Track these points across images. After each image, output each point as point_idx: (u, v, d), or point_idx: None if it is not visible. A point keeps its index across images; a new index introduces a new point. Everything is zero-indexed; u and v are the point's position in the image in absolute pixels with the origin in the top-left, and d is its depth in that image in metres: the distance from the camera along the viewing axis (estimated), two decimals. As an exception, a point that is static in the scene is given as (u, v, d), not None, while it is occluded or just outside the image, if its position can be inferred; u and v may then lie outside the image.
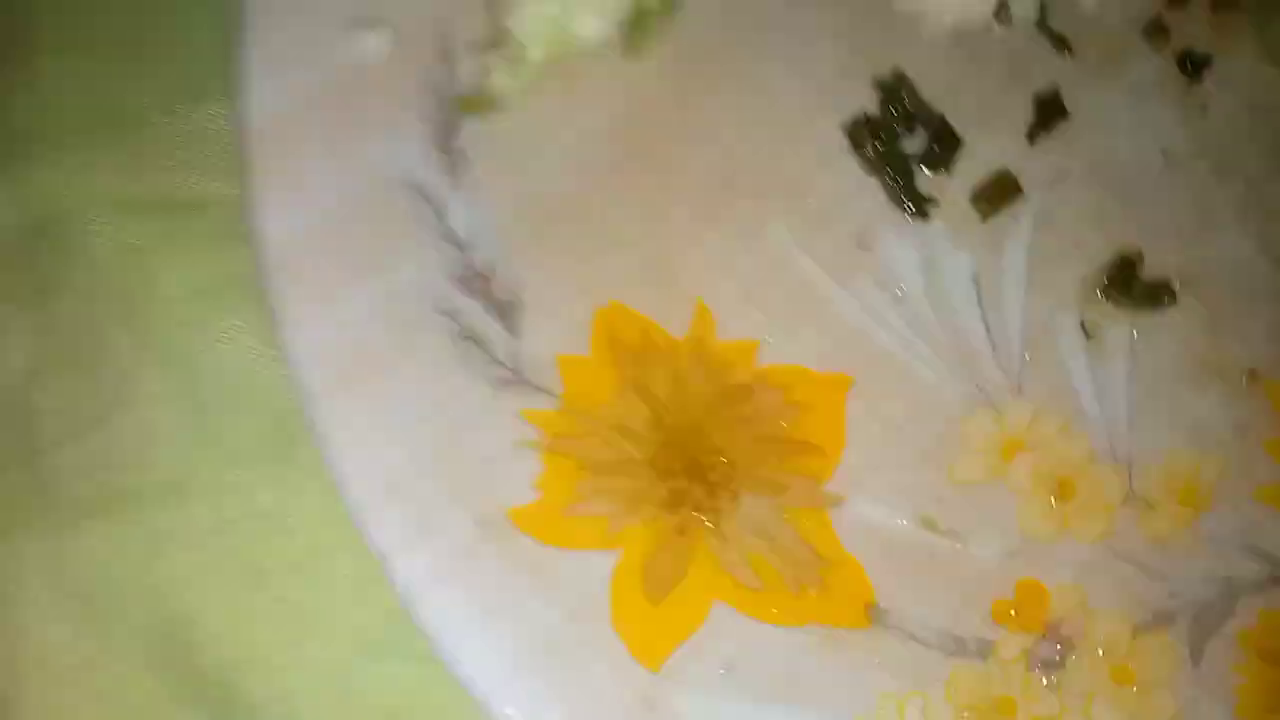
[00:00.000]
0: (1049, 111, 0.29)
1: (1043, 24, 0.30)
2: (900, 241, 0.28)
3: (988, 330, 0.27)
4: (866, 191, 0.28)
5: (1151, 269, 0.28)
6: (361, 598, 0.25)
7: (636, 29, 0.28)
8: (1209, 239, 0.29)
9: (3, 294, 0.28)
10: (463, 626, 0.23)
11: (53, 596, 0.26)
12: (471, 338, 0.25)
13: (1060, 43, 0.30)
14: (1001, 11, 0.29)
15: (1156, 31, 0.30)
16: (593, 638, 0.24)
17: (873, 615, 0.25)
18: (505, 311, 0.26)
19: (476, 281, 0.26)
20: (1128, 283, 0.28)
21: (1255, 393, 0.28)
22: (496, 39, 0.27)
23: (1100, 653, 0.26)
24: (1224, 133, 0.30)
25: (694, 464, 0.26)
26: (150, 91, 0.29)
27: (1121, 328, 0.28)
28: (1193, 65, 0.30)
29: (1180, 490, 0.27)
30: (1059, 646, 0.26)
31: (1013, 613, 0.26)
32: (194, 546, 0.26)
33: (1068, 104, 0.29)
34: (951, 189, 0.28)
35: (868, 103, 0.28)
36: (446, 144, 0.27)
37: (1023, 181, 0.28)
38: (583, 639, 0.24)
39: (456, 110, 0.27)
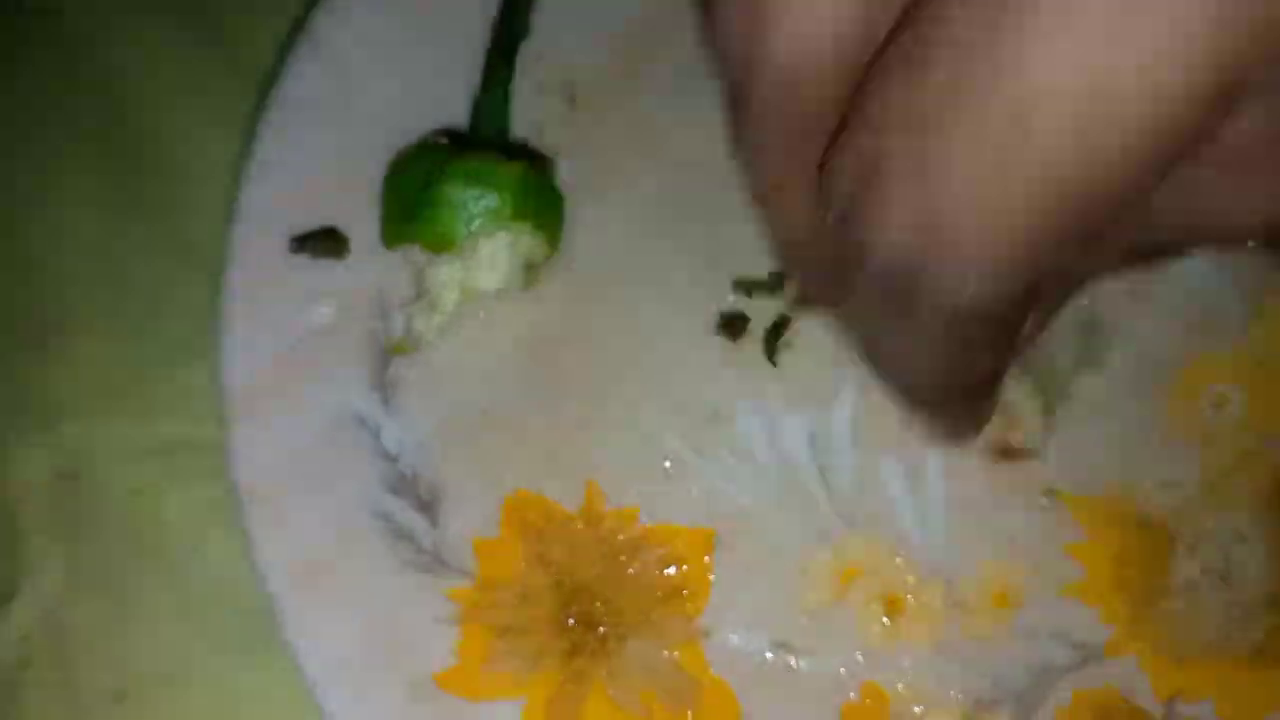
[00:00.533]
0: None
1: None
2: (747, 411, 0.34)
3: (823, 478, 0.33)
4: (720, 377, 0.34)
5: (959, 411, 0.34)
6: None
7: (528, 273, 0.34)
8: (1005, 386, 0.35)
9: (41, 529, 0.34)
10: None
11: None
12: (401, 533, 0.32)
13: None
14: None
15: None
16: (506, 771, 0.29)
17: (741, 727, 0.31)
18: (429, 508, 0.32)
19: (405, 486, 0.33)
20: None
21: (1055, 506, 0.33)
22: (419, 295, 0.33)
23: (936, 740, 0.31)
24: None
25: (588, 617, 0.32)
26: (152, 358, 0.35)
27: (936, 463, 0.34)
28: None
29: (995, 594, 0.32)
30: (900, 738, 0.31)
31: (859, 713, 0.31)
32: (194, 722, 0.32)
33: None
34: (788, 359, 0.35)
35: (723, 302, 0.35)
36: (380, 379, 0.34)
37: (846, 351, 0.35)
38: (497, 773, 0.29)
39: (388, 353, 0.34)
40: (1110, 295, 0.35)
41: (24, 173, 0.38)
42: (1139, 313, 0.35)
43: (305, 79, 0.34)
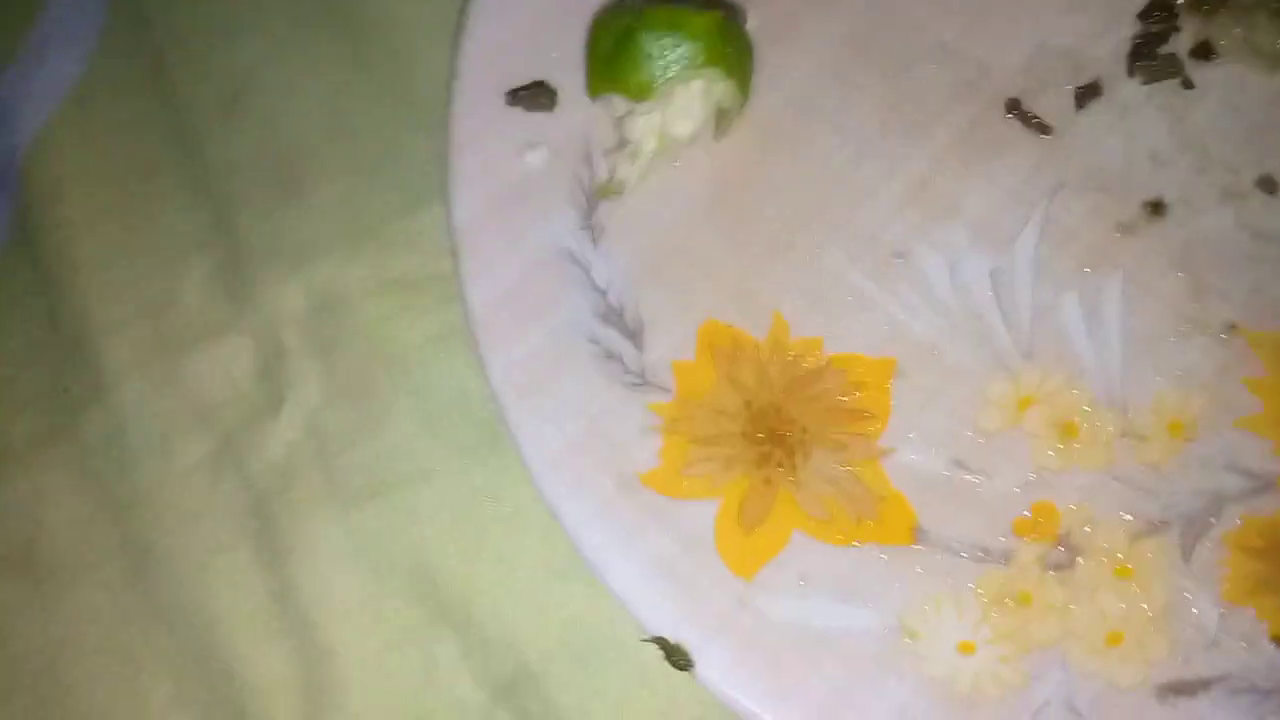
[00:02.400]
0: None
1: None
2: (929, 251, 0.36)
3: (1002, 313, 0.35)
4: (901, 217, 0.36)
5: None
6: (549, 540, 0.35)
7: (720, 121, 0.36)
8: (1193, 220, 0.35)
9: (302, 351, 0.39)
10: (611, 557, 0.33)
11: (346, 556, 0.36)
12: (611, 356, 0.36)
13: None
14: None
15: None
16: (702, 559, 0.33)
17: (916, 535, 0.33)
18: (634, 334, 0.36)
19: (613, 315, 0.36)
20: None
21: (1235, 340, 0.34)
22: (621, 143, 0.37)
23: (1103, 556, 0.33)
24: (1205, 132, 0.36)
25: (775, 433, 0.35)
26: (390, 201, 0.40)
27: (1116, 299, 0.35)
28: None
29: (1169, 424, 0.34)
30: (1068, 552, 0.33)
31: (1030, 528, 0.33)
32: (435, 515, 0.37)
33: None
34: (971, 202, 0.36)
35: (900, 148, 0.37)
36: (588, 221, 0.37)
37: (1028, 193, 0.36)
38: (695, 561, 0.33)
39: (594, 197, 0.37)
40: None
41: (261, 38, 0.43)
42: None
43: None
